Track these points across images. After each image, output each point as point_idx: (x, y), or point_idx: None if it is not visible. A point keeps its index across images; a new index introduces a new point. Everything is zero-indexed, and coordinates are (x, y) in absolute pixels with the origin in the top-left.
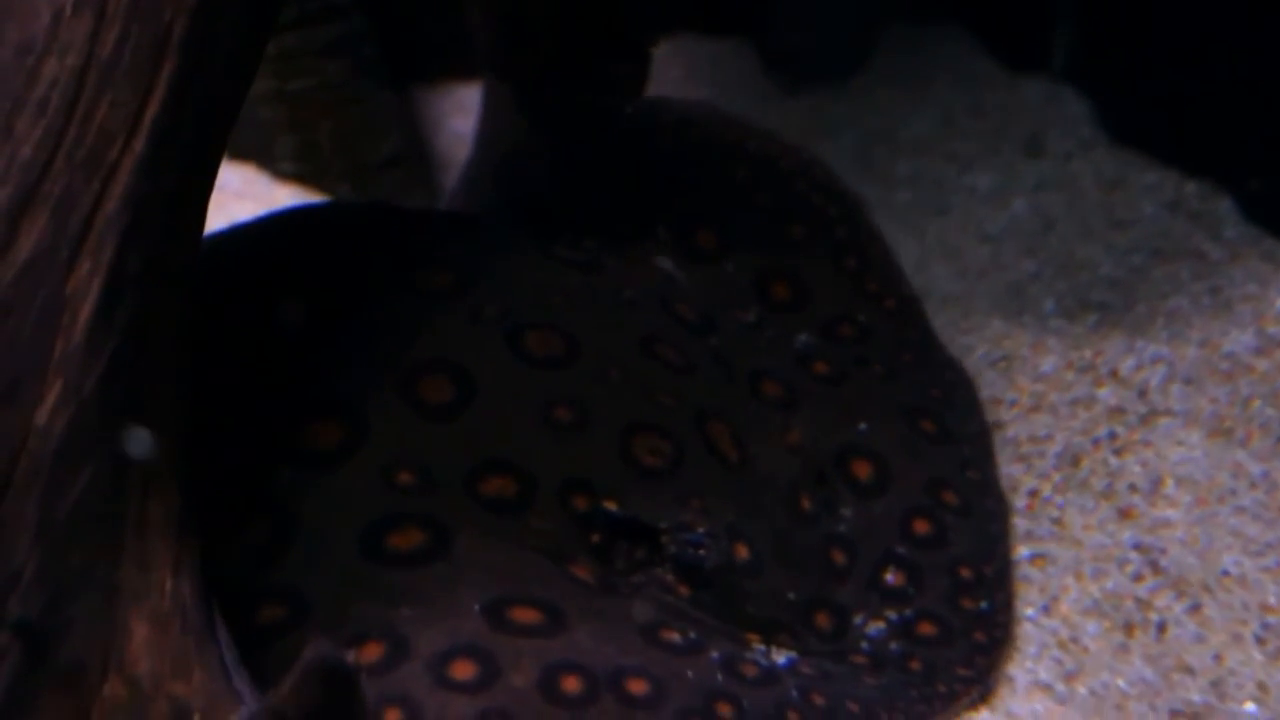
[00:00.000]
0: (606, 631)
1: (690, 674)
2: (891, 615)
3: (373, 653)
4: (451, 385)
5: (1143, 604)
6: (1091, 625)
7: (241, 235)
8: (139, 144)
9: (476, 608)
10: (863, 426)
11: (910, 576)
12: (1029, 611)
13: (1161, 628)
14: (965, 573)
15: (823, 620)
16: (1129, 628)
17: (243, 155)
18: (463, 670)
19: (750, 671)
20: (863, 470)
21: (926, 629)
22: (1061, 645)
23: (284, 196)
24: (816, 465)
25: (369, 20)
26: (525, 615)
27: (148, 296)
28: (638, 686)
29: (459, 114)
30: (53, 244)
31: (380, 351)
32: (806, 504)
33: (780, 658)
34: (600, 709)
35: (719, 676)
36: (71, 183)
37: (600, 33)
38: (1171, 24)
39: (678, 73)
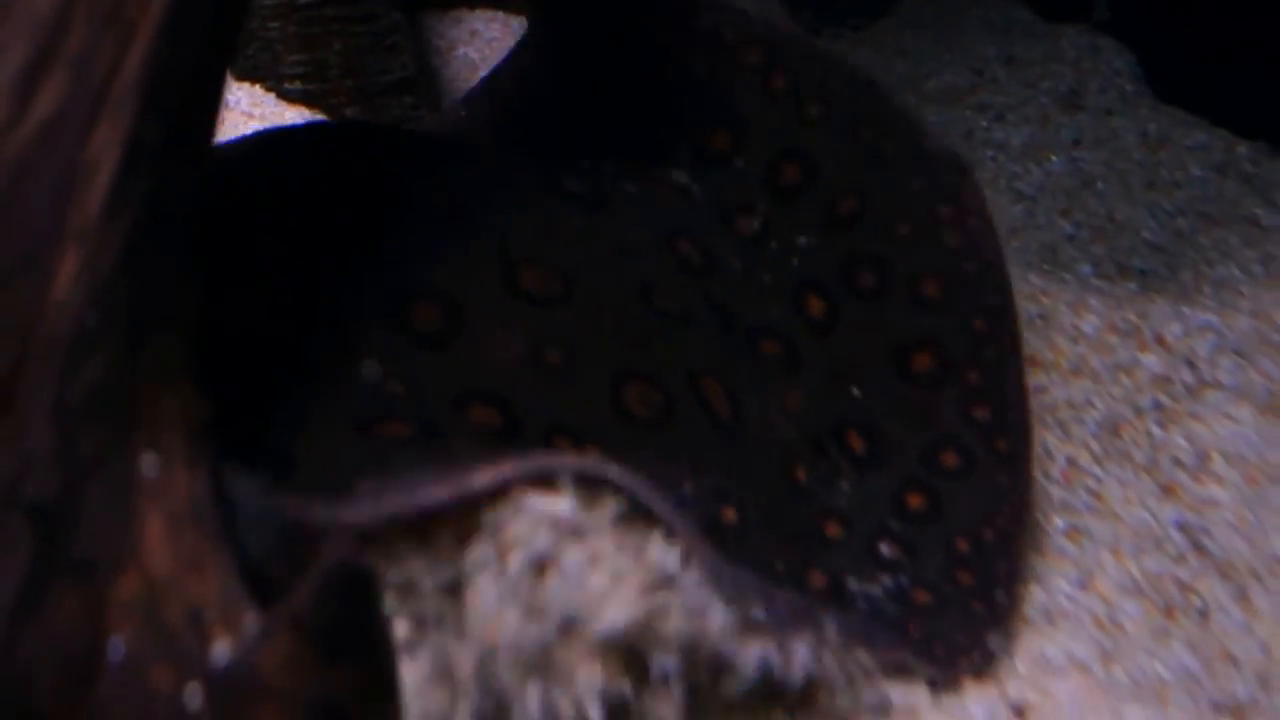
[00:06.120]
0: None
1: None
2: (887, 580)
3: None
4: (441, 313)
5: (1185, 587)
6: (1130, 605)
7: (235, 150)
8: (158, 3)
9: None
10: (855, 392)
11: (905, 550)
12: (1065, 586)
13: (1204, 613)
14: (962, 545)
15: (817, 580)
16: (1169, 611)
17: (250, 74)
18: None
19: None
20: (856, 443)
21: (923, 598)
22: (1099, 624)
23: (291, 116)
24: (814, 434)
25: None
26: None
27: (165, 172)
28: None
29: (470, 41)
30: (71, 105)
31: (371, 275)
32: (801, 474)
33: None
34: None
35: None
36: (90, 40)
37: None
38: None
39: None
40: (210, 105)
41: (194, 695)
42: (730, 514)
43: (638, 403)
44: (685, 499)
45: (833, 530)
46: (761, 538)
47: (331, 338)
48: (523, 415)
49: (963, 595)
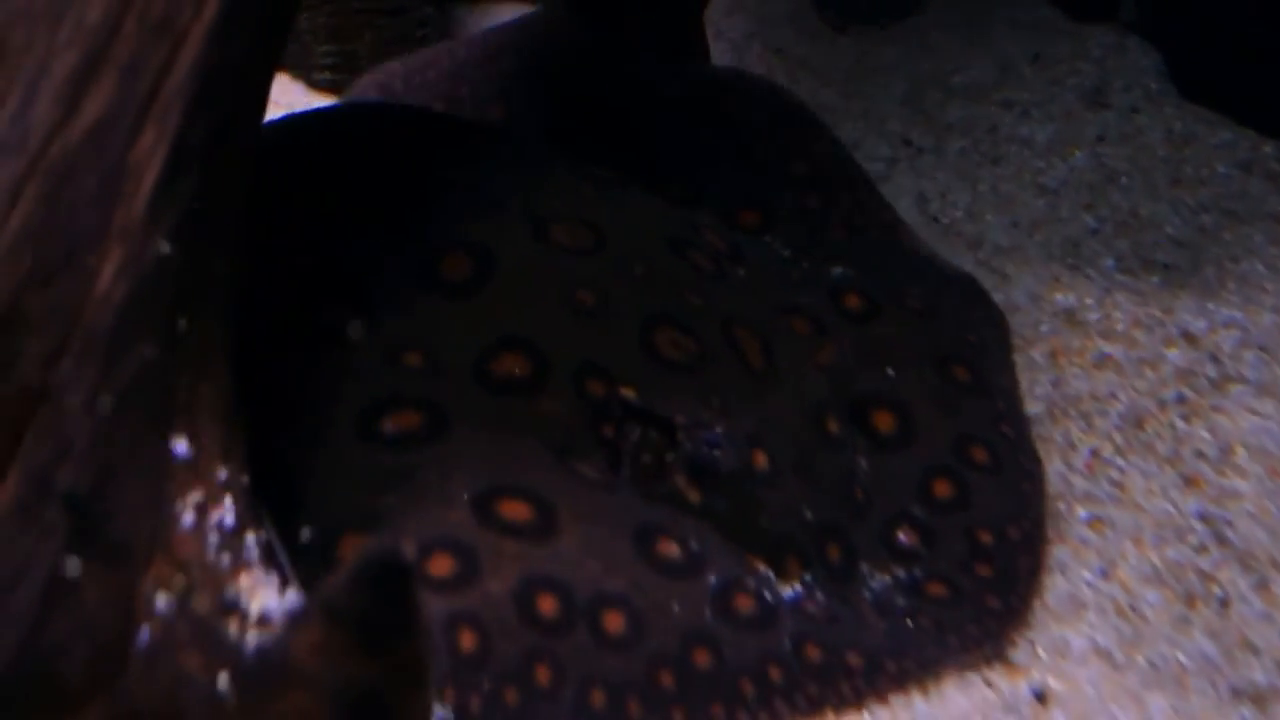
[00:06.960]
0: (598, 539)
1: (676, 606)
2: (900, 572)
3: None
4: (471, 262)
5: (1206, 576)
6: (1151, 594)
7: (278, 126)
8: (209, 10)
9: (466, 497)
10: (890, 372)
11: (923, 538)
12: (1086, 575)
13: (1225, 603)
14: (985, 538)
15: (834, 553)
16: (1190, 599)
17: (279, 64)
18: (440, 566)
19: (745, 607)
20: (884, 422)
21: (936, 590)
22: (1120, 612)
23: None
24: (843, 397)
25: None
26: (515, 510)
27: (209, 172)
28: (614, 622)
29: None
30: (119, 110)
31: (402, 232)
32: (833, 427)
33: (786, 590)
34: (571, 642)
35: (707, 613)
36: (140, 47)
37: None
38: None
39: (722, 4)
40: (256, 106)
41: (223, 681)
42: (761, 459)
43: (670, 346)
44: (717, 440)
45: (858, 494)
46: (792, 485)
47: (353, 298)
48: (553, 357)
49: (979, 588)
